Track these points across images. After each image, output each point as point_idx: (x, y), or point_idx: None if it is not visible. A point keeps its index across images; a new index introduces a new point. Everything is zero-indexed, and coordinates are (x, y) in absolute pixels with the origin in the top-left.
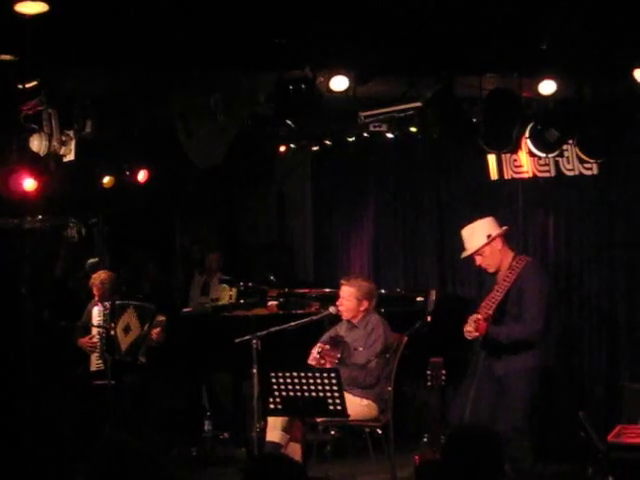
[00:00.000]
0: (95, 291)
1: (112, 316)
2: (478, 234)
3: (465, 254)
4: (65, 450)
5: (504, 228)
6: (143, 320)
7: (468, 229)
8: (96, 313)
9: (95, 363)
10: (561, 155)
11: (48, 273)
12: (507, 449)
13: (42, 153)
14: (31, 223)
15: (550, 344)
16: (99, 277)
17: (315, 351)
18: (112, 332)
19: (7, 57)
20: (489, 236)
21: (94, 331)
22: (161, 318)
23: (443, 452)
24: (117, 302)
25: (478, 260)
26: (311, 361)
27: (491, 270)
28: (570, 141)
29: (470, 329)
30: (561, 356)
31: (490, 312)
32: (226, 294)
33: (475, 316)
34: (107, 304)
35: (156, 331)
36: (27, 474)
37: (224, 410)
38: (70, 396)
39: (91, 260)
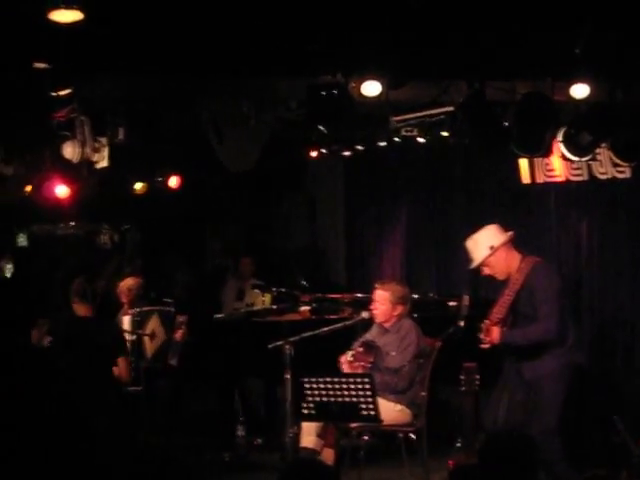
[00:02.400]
0: (123, 298)
1: (140, 323)
2: (481, 246)
3: (471, 266)
4: (99, 457)
5: (508, 235)
6: (165, 325)
7: (471, 241)
8: (127, 322)
9: None
10: (594, 159)
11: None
12: (540, 452)
13: (75, 160)
14: (64, 230)
15: (581, 343)
16: (126, 284)
17: (348, 355)
18: (144, 337)
19: (41, 65)
20: (491, 247)
21: (126, 337)
22: (181, 319)
23: (479, 457)
24: (144, 309)
25: (485, 271)
26: (343, 366)
27: (501, 277)
28: (603, 144)
29: (482, 336)
30: (595, 359)
31: (501, 316)
32: (259, 299)
33: (485, 322)
34: (136, 311)
35: (179, 333)
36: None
37: (257, 415)
38: (103, 403)
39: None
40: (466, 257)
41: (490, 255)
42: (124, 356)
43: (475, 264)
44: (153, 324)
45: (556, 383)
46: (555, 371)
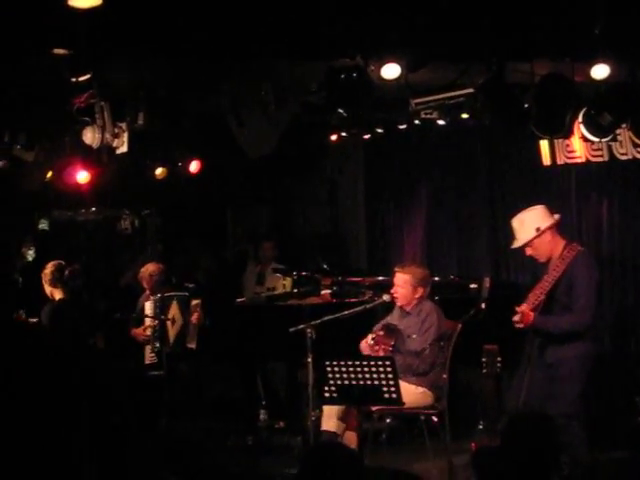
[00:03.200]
0: (145, 284)
1: (162, 308)
2: (527, 226)
3: (515, 245)
4: (120, 441)
5: (555, 218)
6: (182, 310)
7: (517, 220)
8: (148, 307)
9: (149, 356)
10: (614, 139)
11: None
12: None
13: (95, 145)
14: (85, 215)
15: (603, 330)
16: (147, 270)
17: (369, 338)
18: (167, 322)
19: (61, 51)
20: (538, 229)
21: (147, 322)
22: (195, 302)
23: (501, 439)
24: (166, 295)
25: (528, 251)
26: (365, 349)
27: (542, 260)
28: (623, 125)
29: (517, 319)
30: (616, 341)
31: (538, 301)
32: (280, 283)
33: (521, 306)
34: (157, 297)
35: (194, 316)
36: (84, 465)
37: (279, 399)
38: (125, 387)
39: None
40: (487, 240)
41: (536, 237)
42: (100, 335)
43: (519, 244)
44: (173, 310)
45: (577, 368)
46: (578, 357)
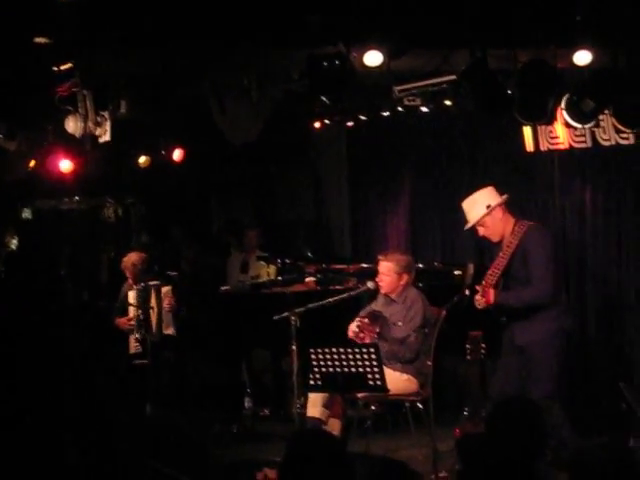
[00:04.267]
0: (128, 274)
1: (145, 298)
2: (478, 205)
3: (467, 226)
4: (106, 429)
5: (504, 197)
6: (157, 298)
7: (468, 201)
8: (132, 296)
9: (133, 345)
10: (597, 125)
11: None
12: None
13: (78, 134)
14: (68, 204)
15: (568, 306)
16: (130, 259)
17: (354, 326)
18: (150, 311)
19: (42, 40)
20: (488, 206)
21: (131, 312)
22: (165, 289)
23: (486, 425)
24: (149, 283)
25: (480, 231)
26: (350, 336)
27: (495, 239)
28: (606, 111)
29: (477, 297)
30: (600, 326)
31: (495, 279)
32: (264, 271)
33: (481, 284)
34: (141, 285)
35: (166, 302)
36: (68, 453)
37: (264, 387)
38: (110, 375)
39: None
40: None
41: (487, 214)
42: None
43: (471, 223)
44: (153, 299)
45: (547, 348)
46: (545, 337)
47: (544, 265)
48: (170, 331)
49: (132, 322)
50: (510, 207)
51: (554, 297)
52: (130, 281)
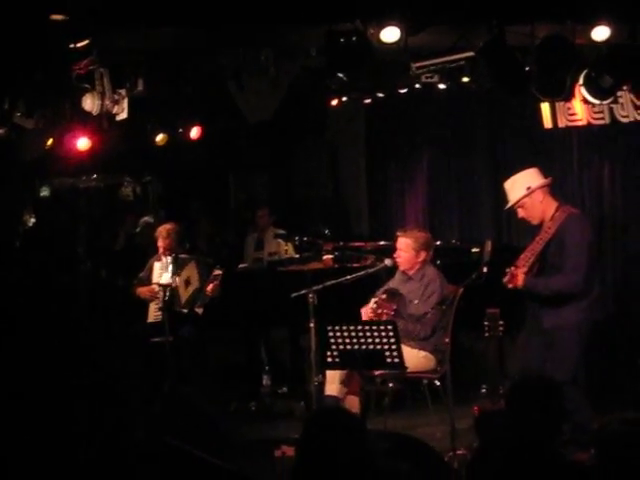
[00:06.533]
0: (160, 242)
1: (175, 269)
2: (518, 186)
3: (507, 206)
4: (125, 406)
5: (547, 180)
6: (202, 274)
7: (510, 181)
8: (157, 267)
9: (153, 314)
10: (615, 102)
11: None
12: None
13: (95, 112)
14: (86, 182)
15: (606, 295)
16: (165, 228)
17: (371, 303)
18: (174, 285)
19: (59, 17)
20: (529, 188)
21: (155, 282)
22: (217, 272)
23: (505, 402)
24: (180, 255)
25: (520, 212)
26: (367, 313)
27: (534, 222)
28: (624, 87)
29: (506, 279)
30: (618, 302)
31: (529, 263)
32: (282, 248)
33: (512, 267)
34: (173, 256)
35: (211, 286)
36: (87, 431)
37: (282, 364)
38: (128, 353)
39: (145, 218)
40: (489, 204)
41: (526, 195)
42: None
43: (511, 204)
44: (189, 271)
45: (573, 336)
46: (574, 324)
47: (578, 256)
48: (199, 310)
49: (156, 289)
50: None
51: (586, 289)
52: (160, 251)
